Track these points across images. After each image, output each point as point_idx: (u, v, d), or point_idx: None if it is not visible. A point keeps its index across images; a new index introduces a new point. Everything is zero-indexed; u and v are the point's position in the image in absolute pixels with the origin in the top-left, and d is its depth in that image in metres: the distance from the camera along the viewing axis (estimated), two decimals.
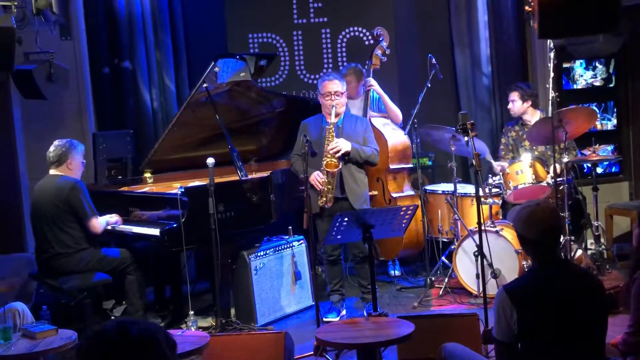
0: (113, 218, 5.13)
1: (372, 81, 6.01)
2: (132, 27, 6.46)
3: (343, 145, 4.95)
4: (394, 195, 5.99)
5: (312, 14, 6.79)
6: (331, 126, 4.97)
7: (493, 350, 3.10)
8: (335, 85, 5.06)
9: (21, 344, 3.70)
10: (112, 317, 5.21)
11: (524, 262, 5.20)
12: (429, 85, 6.04)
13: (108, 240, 5.33)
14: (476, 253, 4.84)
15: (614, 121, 7.02)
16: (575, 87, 6.93)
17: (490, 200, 5.64)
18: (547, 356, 2.79)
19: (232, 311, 5.18)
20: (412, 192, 6.10)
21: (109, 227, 5.09)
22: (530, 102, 5.97)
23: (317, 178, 5.01)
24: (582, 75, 6.93)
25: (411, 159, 6.08)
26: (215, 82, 5.27)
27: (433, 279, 5.77)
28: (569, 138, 5.43)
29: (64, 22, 5.99)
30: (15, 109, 5.99)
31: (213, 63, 5.15)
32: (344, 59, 6.79)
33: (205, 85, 5.16)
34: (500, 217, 5.89)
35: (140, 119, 6.55)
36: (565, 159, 5.53)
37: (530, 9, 4.69)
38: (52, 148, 5.02)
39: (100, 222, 5.00)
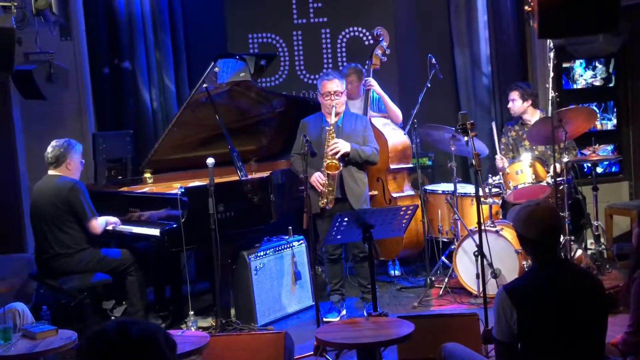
0: (112, 218, 5.13)
1: (371, 81, 6.00)
2: (132, 27, 6.46)
3: (342, 146, 4.94)
4: (394, 195, 5.99)
5: (312, 14, 6.79)
6: (331, 127, 4.96)
7: (493, 350, 3.09)
8: (335, 84, 5.05)
9: (21, 344, 3.70)
10: (112, 318, 5.20)
11: (524, 262, 5.20)
12: (429, 85, 6.04)
13: (108, 241, 5.32)
14: (476, 253, 4.84)
15: (614, 121, 7.02)
16: (575, 86, 6.94)
17: (490, 200, 5.64)
18: (547, 356, 2.78)
19: (232, 311, 5.17)
20: (412, 192, 6.10)
21: (109, 228, 5.09)
22: (530, 102, 5.97)
23: (317, 179, 5.00)
24: (581, 75, 6.92)
25: (411, 158, 6.07)
26: (215, 82, 5.27)
27: (433, 278, 5.77)
28: (568, 138, 5.43)
29: (64, 23, 5.99)
30: (15, 109, 5.98)
31: (213, 63, 5.15)
32: (344, 59, 6.78)
33: (205, 85, 5.16)
34: (500, 217, 5.88)
35: (140, 119, 6.55)
36: (565, 159, 5.53)
37: (530, 9, 4.69)
38: (50, 148, 5.01)
39: (100, 223, 4.99)
